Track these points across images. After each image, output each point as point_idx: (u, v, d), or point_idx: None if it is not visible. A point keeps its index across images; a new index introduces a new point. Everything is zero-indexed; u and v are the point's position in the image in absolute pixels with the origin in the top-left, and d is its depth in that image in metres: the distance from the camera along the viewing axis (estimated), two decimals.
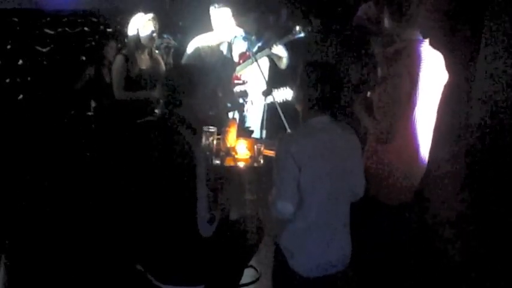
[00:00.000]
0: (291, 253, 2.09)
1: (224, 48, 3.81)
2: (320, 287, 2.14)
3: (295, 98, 2.18)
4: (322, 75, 2.06)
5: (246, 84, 3.92)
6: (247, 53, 3.90)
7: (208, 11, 3.70)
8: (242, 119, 4.01)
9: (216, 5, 3.62)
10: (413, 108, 2.28)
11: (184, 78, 2.15)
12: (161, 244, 2.10)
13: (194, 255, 2.10)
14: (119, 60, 3.73)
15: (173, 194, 2.06)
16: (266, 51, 3.82)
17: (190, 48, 3.78)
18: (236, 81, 3.87)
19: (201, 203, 2.06)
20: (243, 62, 3.91)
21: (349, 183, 2.14)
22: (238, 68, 3.90)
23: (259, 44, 3.98)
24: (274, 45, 3.74)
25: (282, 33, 4.02)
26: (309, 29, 3.80)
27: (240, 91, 3.88)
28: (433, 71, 2.31)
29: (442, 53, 2.43)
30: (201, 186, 2.05)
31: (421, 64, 2.25)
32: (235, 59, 3.90)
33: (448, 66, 2.41)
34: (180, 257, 2.09)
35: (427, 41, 2.33)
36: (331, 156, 2.04)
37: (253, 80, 3.87)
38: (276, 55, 3.86)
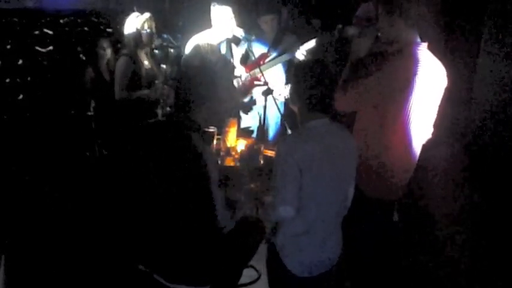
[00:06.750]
0: (287, 253, 2.09)
1: (223, 47, 3.79)
2: (315, 284, 2.15)
3: (291, 100, 2.13)
4: (320, 76, 2.01)
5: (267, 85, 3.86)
6: (268, 54, 3.89)
7: (208, 10, 3.69)
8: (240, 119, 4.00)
9: (217, 4, 3.59)
10: (406, 109, 2.27)
11: (193, 83, 2.14)
12: (175, 245, 2.10)
13: (204, 255, 2.11)
14: (123, 61, 3.72)
15: (187, 196, 2.06)
16: (286, 56, 3.77)
17: (189, 46, 3.75)
18: (257, 82, 3.80)
19: (218, 204, 2.07)
20: (263, 63, 3.87)
21: (344, 185, 2.14)
22: (260, 68, 3.81)
23: (279, 48, 3.92)
24: (298, 51, 3.69)
25: (302, 36, 3.96)
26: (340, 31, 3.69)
27: (264, 90, 3.85)
28: (430, 75, 2.29)
29: (442, 55, 2.42)
30: (216, 189, 2.05)
31: (418, 67, 2.23)
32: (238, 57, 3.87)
33: (448, 67, 2.41)
34: (191, 257, 2.09)
35: (425, 44, 2.31)
36: (332, 160, 2.02)
37: (274, 81, 3.82)
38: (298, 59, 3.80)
